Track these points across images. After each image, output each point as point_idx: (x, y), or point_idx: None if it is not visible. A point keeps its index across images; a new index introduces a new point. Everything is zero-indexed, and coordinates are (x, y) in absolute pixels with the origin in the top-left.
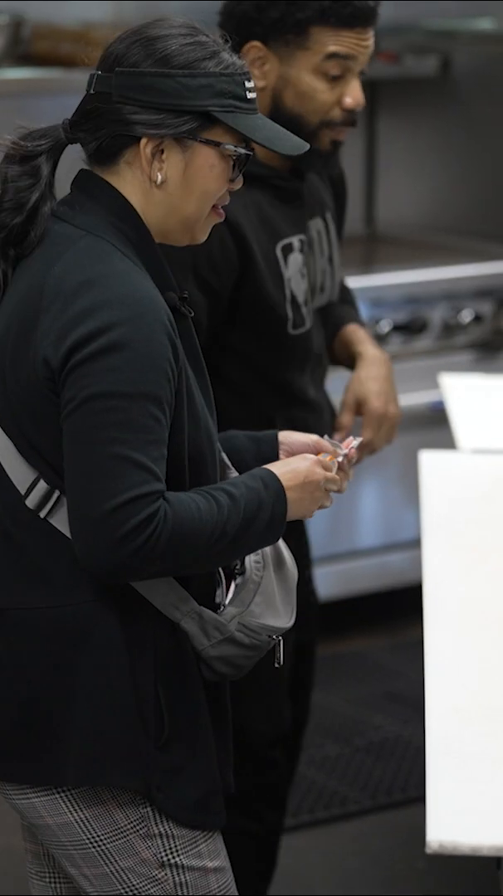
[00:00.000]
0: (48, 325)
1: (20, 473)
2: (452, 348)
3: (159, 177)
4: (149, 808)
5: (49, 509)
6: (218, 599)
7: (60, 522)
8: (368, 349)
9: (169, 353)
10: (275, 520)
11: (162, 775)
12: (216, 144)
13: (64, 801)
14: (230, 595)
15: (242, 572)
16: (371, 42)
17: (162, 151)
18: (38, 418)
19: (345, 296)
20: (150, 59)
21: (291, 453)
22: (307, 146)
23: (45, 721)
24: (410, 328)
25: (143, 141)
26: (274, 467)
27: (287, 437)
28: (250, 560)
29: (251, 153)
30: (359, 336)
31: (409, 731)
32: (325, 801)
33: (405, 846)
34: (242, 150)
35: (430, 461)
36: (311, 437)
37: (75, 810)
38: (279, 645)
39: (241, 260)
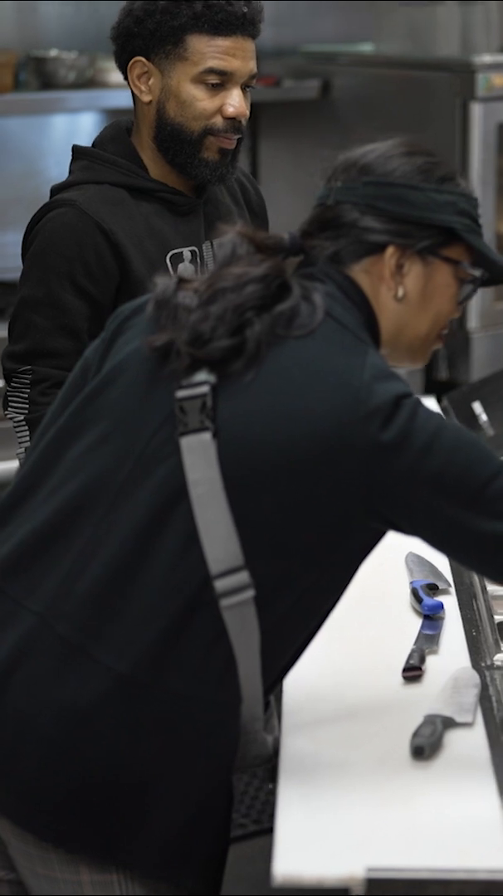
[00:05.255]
0: None
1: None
2: None
3: (400, 291)
4: None
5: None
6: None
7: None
8: None
9: None
10: None
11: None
12: (456, 263)
13: (119, 883)
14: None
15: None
16: (250, 54)
17: (402, 266)
18: None
19: None
20: (399, 172)
21: None
22: None
23: (135, 800)
24: None
25: (390, 251)
26: None
27: None
28: None
29: (484, 278)
30: None
31: None
32: None
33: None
34: (478, 273)
35: None
36: None
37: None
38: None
39: (119, 267)
